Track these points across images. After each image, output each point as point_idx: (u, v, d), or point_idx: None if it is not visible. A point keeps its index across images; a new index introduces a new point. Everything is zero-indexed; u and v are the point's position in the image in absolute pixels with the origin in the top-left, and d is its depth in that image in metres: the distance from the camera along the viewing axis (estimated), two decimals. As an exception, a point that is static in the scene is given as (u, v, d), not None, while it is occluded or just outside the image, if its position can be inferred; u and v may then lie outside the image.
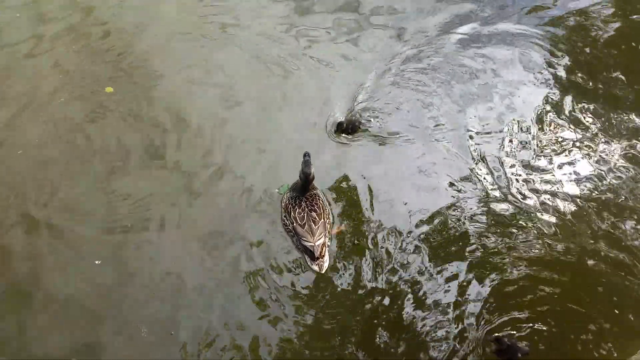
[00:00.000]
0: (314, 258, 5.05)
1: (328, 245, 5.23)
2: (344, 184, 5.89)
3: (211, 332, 4.87)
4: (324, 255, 5.10)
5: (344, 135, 6.22)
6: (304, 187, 5.35)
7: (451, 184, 5.84)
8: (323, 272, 5.08)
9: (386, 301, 5.02)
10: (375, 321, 4.92)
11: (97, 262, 5.29)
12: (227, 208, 5.68)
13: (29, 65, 7.05)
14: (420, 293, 5.06)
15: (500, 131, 6.31)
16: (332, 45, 7.33)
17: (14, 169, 6.00)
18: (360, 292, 5.08)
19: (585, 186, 5.78)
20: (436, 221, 5.54)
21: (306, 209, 5.25)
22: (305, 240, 5.09)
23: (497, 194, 5.73)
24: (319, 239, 5.09)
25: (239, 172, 5.96)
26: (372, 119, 6.45)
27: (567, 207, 5.61)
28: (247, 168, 5.99)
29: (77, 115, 6.51)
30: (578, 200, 5.66)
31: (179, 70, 7.03)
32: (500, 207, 5.62)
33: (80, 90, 6.76)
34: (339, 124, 6.21)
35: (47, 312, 5.00)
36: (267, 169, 6.00)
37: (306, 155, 5.24)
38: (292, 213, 5.26)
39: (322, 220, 5.24)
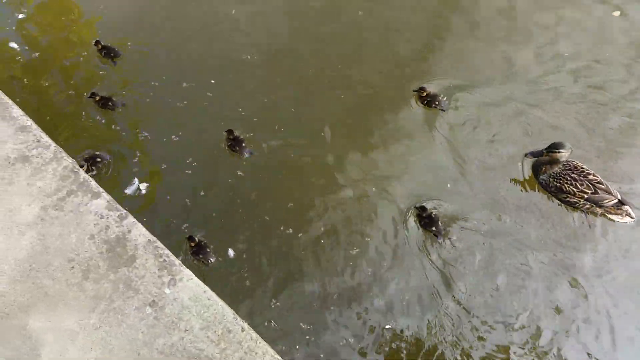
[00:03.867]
0: (623, 210, 5.01)
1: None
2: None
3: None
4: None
5: None
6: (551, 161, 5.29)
7: None
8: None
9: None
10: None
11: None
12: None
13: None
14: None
15: None
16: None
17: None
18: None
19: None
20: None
21: (579, 176, 5.14)
22: (608, 201, 5.03)
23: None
24: (615, 192, 5.07)
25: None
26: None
27: None
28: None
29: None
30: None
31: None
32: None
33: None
34: None
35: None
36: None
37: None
38: (573, 189, 5.10)
39: (598, 176, 5.13)
